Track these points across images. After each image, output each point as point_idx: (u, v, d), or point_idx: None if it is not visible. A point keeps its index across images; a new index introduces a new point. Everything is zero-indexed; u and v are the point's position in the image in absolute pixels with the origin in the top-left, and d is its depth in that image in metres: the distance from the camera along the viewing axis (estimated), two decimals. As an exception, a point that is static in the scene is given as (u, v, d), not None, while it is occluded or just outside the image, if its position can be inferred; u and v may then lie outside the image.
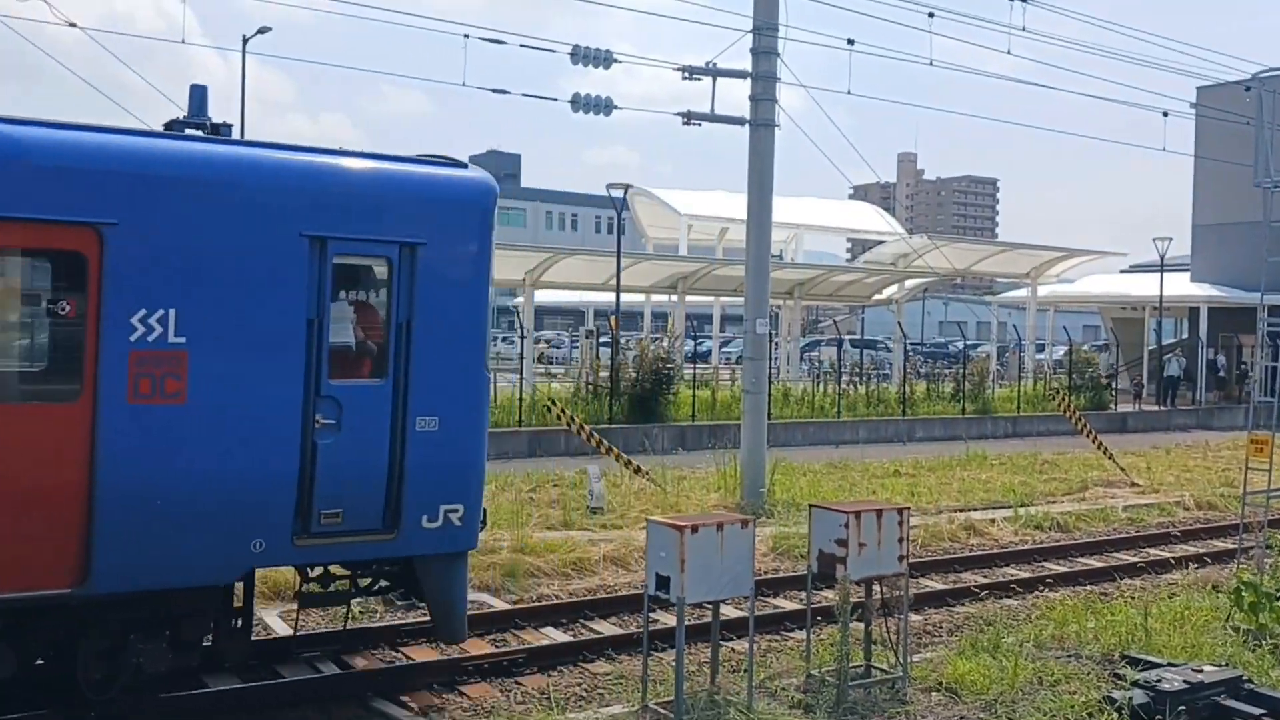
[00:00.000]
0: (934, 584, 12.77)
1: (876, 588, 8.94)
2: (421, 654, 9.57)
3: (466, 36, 16.86)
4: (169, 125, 8.01)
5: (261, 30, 38.14)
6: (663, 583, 7.82)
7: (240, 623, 8.31)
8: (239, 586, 8.22)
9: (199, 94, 8.14)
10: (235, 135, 8.22)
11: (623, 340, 27.98)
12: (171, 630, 7.67)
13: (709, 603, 8.43)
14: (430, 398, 7.93)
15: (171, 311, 7.18)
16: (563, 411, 19.22)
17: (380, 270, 7.99)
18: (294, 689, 8.57)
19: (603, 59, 16.76)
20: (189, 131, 7.88)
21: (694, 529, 7.71)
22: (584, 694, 8.88)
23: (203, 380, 7.26)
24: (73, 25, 13.85)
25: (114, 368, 7.02)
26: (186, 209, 7.27)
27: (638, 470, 17.28)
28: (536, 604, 11.28)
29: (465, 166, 8.45)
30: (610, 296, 31.89)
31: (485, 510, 8.76)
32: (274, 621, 10.19)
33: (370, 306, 8.08)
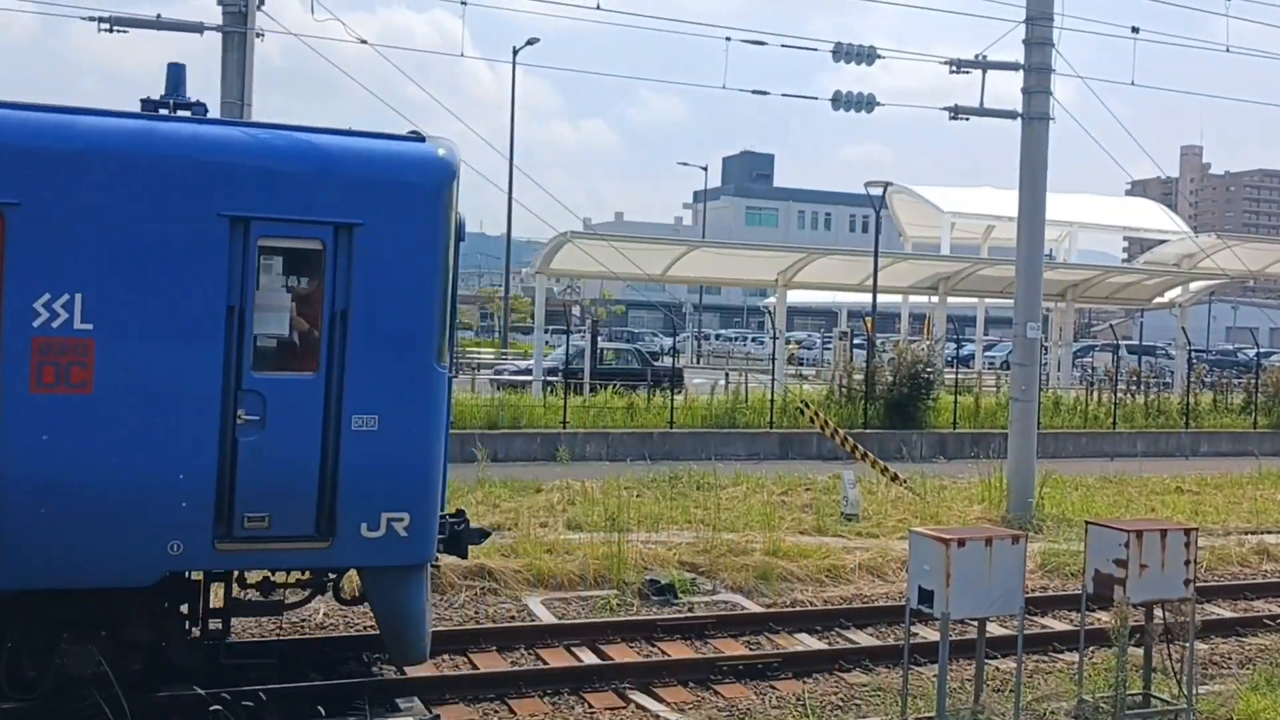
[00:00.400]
0: (1221, 611, 11.87)
1: (1158, 612, 8.41)
2: (677, 650, 9.76)
3: (728, 39, 17.04)
4: (144, 104, 7.80)
5: (530, 41, 39.95)
6: (925, 596, 7.64)
7: (220, 624, 8.02)
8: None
9: (174, 72, 7.92)
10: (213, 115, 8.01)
11: (878, 342, 27.46)
12: (108, 631, 7.33)
13: (973, 619, 8.17)
14: (369, 395, 7.26)
15: (78, 296, 6.83)
16: (816, 414, 19.09)
17: (313, 254, 7.32)
18: (557, 675, 8.93)
19: (865, 55, 16.53)
20: (160, 111, 7.73)
21: (960, 542, 7.50)
22: (840, 703, 8.80)
23: (111, 369, 6.89)
24: (364, 42, 14.95)
25: (15, 354, 6.74)
26: (94, 187, 6.94)
27: (895, 478, 16.94)
28: (790, 609, 11.27)
29: (421, 140, 7.76)
30: (865, 297, 31.38)
31: (463, 520, 8.28)
32: (539, 610, 10.65)
33: (302, 293, 7.48)
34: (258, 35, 13.91)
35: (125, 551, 6.97)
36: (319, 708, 7.59)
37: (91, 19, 14.04)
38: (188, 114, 7.79)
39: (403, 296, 7.35)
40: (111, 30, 14.01)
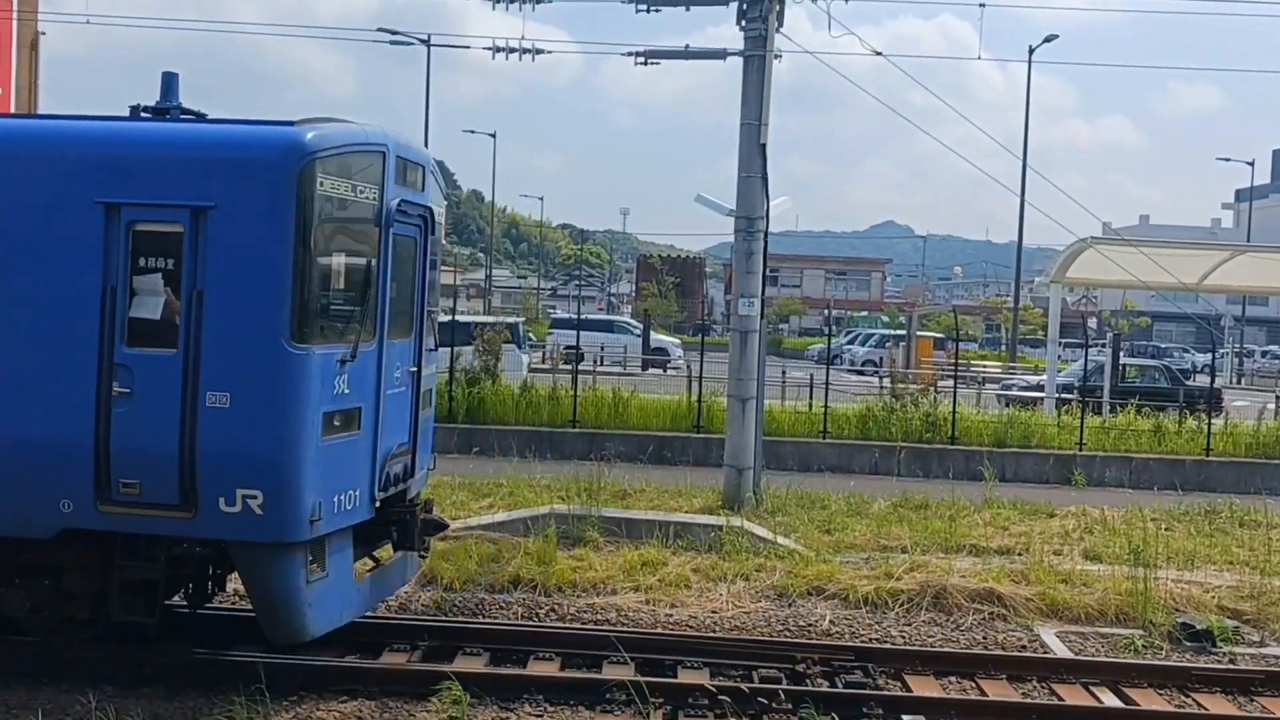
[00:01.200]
0: None
1: None
2: (1216, 704, 8.88)
3: (1288, 15, 15.18)
4: (132, 110, 8.49)
5: (1049, 38, 38.18)
6: None
7: (211, 588, 8.97)
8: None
9: (167, 80, 8.64)
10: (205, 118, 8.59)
11: None
12: (52, 580, 8.15)
13: None
14: (222, 373, 7.61)
15: None
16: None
17: (175, 236, 7.73)
18: (1075, 714, 8.50)
19: None
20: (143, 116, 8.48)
21: None
22: None
23: (4, 342, 7.76)
24: (878, 54, 15.18)
25: None
26: None
27: None
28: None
29: (291, 125, 7.81)
30: None
31: (411, 511, 8.73)
32: (1052, 642, 10.18)
33: (168, 274, 7.82)
34: (776, 57, 14.61)
35: (26, 506, 7.83)
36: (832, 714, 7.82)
37: (629, 54, 15.54)
38: (67, 113, 8.62)
39: (251, 277, 7.65)
40: (645, 63, 15.40)
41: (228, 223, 7.66)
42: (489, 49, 15.82)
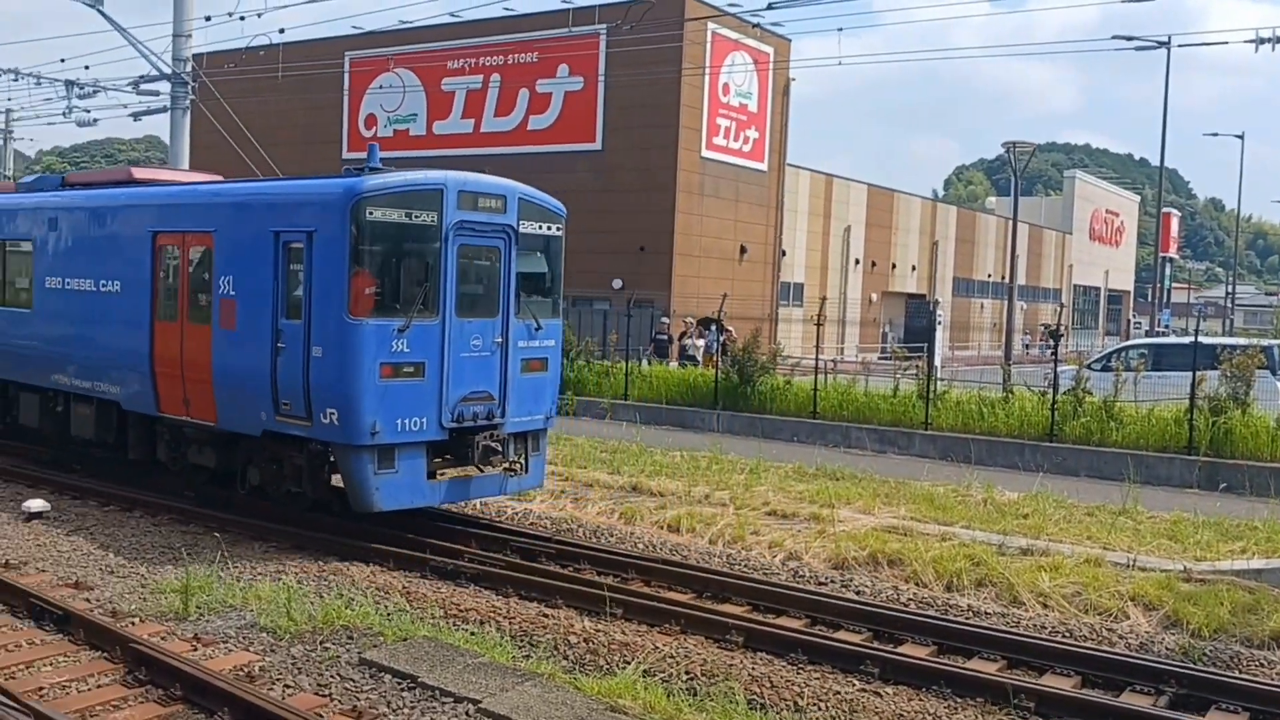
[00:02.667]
0: None
1: None
2: None
3: None
4: (344, 166, 14.19)
5: None
6: None
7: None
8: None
9: (371, 148, 12.49)
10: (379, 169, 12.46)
11: None
12: (277, 465, 12.88)
13: None
14: (319, 334, 11.63)
15: (231, 277, 12.60)
16: None
17: (301, 250, 11.90)
18: None
19: None
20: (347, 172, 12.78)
21: None
22: None
23: (243, 317, 12.44)
24: None
25: (215, 309, 12.85)
26: (235, 222, 12.89)
27: None
28: None
29: (358, 175, 11.85)
30: None
31: (472, 439, 12.26)
32: None
33: (301, 273, 11.93)
34: None
35: (249, 414, 12.50)
36: None
37: None
38: (259, 178, 15.77)
39: (330, 273, 11.60)
40: None
41: (321, 240, 11.76)
42: (1251, 41, 14.59)
